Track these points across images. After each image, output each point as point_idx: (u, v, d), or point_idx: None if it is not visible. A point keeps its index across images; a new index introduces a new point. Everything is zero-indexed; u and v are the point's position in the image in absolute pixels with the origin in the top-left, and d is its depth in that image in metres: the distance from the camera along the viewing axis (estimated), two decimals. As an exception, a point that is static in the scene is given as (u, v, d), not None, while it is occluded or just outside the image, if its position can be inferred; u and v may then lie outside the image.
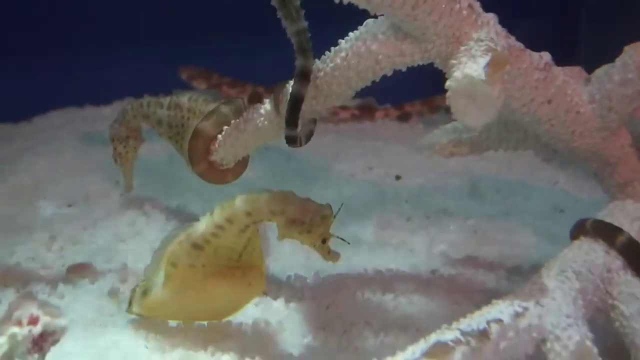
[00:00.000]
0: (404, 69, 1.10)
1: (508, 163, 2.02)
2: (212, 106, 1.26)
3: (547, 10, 2.51)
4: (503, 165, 2.01)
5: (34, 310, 0.79)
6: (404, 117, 2.55)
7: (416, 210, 1.71)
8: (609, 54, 1.16)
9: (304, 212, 1.06)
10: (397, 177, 1.93)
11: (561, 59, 1.16)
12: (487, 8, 1.07)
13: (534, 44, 1.12)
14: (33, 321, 0.79)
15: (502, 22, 1.09)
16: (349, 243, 1.12)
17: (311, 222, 1.06)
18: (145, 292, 1.18)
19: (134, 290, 1.22)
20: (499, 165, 2.01)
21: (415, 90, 2.45)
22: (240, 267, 1.12)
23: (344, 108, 2.51)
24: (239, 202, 1.06)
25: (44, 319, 0.79)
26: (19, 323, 0.78)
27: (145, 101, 1.38)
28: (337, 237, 1.09)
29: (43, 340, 0.80)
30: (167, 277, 1.13)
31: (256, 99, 2.61)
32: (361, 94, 1.16)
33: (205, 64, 2.67)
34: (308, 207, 1.06)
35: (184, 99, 1.30)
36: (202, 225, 1.10)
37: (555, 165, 2.01)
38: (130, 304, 1.21)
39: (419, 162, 2.00)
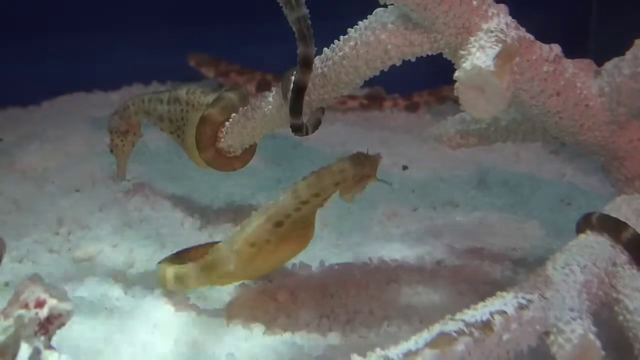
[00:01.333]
0: (412, 59, 1.10)
1: (516, 155, 2.02)
2: (211, 97, 1.26)
3: (558, 2, 2.49)
4: (511, 157, 2.00)
5: (40, 293, 0.80)
6: (412, 107, 2.54)
7: (422, 201, 1.71)
8: (619, 46, 1.15)
9: (374, 167, 1.14)
10: (404, 167, 1.93)
11: (572, 51, 1.15)
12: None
13: (544, 36, 1.12)
14: (39, 304, 0.80)
15: (513, 13, 1.08)
16: (391, 184, 1.29)
17: (375, 173, 1.15)
18: (205, 269, 1.19)
19: (169, 267, 1.23)
20: (507, 157, 2.00)
21: (424, 80, 2.44)
22: (304, 228, 1.18)
23: (352, 97, 2.50)
24: (329, 176, 1.11)
25: (51, 302, 0.80)
26: (25, 306, 0.79)
27: (147, 97, 1.40)
28: (381, 180, 1.18)
29: (49, 323, 0.81)
30: (241, 254, 1.15)
31: (264, 87, 2.60)
32: (370, 83, 1.16)
33: (214, 51, 2.67)
34: (375, 162, 1.14)
35: (182, 92, 1.31)
36: (284, 204, 1.13)
37: (563, 158, 2.01)
38: (174, 280, 1.22)
39: (426, 152, 2.00)
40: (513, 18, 1.07)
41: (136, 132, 1.50)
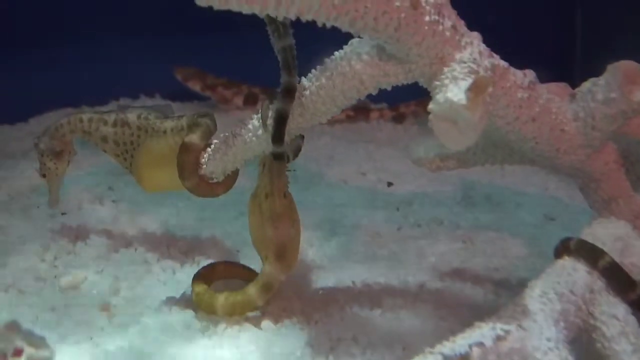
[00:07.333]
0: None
1: (501, 169, 2.02)
2: (168, 123, 1.27)
3: (544, 18, 2.50)
4: (496, 171, 2.00)
5: (18, 342, 0.80)
6: (398, 118, 2.54)
7: (407, 219, 1.71)
8: (605, 61, 1.15)
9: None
10: (389, 184, 1.93)
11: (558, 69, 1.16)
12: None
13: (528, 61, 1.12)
14: (17, 353, 0.80)
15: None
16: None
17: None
18: (278, 257, 1.23)
19: (250, 287, 1.26)
20: (492, 170, 2.00)
21: (411, 90, 2.44)
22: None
23: (339, 109, 2.50)
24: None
25: (28, 351, 0.80)
26: (3, 357, 0.79)
27: (86, 117, 1.37)
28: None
29: (27, 372, 0.81)
30: (280, 215, 1.23)
31: (252, 100, 2.61)
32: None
33: (201, 64, 2.67)
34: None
35: (132, 116, 1.30)
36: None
37: (547, 170, 2.01)
38: (261, 293, 1.25)
39: (411, 167, 1.96)
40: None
41: (70, 150, 1.45)
